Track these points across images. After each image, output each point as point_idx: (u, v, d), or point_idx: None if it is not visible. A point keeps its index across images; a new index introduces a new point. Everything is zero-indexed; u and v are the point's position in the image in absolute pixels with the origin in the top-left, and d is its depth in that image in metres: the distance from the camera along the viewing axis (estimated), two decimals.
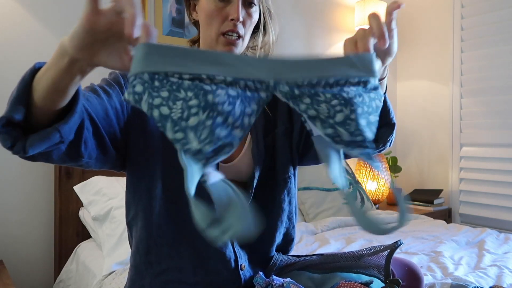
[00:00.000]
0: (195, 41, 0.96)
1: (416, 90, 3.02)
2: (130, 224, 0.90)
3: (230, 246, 0.88)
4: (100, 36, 0.52)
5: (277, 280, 0.81)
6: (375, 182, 2.60)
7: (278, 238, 0.97)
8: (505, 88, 2.50)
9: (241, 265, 0.89)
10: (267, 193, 0.93)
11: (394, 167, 2.79)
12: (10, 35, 1.66)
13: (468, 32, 2.68)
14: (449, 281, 1.21)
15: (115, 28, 0.51)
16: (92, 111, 0.70)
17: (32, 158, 0.63)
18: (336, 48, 2.76)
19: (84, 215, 1.67)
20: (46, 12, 1.73)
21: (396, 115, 3.30)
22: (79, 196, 1.65)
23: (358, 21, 2.66)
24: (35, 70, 0.59)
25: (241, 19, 0.84)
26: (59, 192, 1.68)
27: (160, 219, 0.84)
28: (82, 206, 1.69)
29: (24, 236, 1.69)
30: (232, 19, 0.84)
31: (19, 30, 1.68)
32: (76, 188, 1.67)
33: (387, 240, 1.73)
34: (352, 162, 2.79)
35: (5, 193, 1.65)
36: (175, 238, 0.85)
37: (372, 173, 2.61)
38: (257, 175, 0.90)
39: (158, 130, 0.83)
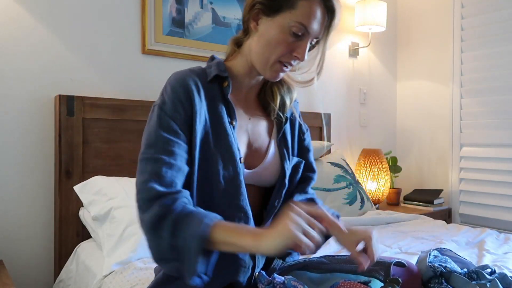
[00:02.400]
0: (240, 44, 0.99)
1: (416, 90, 3.02)
2: None
3: (248, 254, 0.91)
4: None
5: (278, 278, 0.82)
6: (375, 182, 2.60)
7: None
8: (505, 88, 2.50)
9: (255, 274, 0.91)
10: (286, 196, 1.02)
11: (394, 167, 2.79)
12: (8, 34, 1.66)
13: (468, 32, 2.68)
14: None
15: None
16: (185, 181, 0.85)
17: None
18: (336, 48, 2.77)
19: (84, 215, 1.67)
20: (45, 11, 1.73)
21: (396, 115, 3.31)
22: (79, 196, 1.65)
23: (358, 21, 2.66)
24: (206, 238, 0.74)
25: (305, 59, 0.90)
26: (59, 192, 1.68)
27: None
28: (82, 206, 1.69)
29: (24, 236, 1.69)
30: (296, 56, 0.89)
31: (18, 29, 1.68)
32: (76, 188, 1.67)
33: (387, 240, 1.73)
34: (352, 162, 2.79)
35: (5, 193, 1.65)
36: None
37: (372, 173, 2.61)
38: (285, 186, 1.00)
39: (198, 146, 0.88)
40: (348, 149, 2.84)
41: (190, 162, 0.86)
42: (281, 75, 0.93)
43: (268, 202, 0.99)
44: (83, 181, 1.69)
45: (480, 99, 2.63)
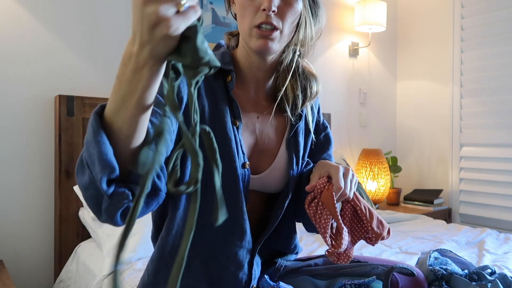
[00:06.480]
0: (235, 35, 0.92)
1: (416, 90, 3.02)
2: (152, 241, 0.89)
3: (245, 268, 0.84)
4: None
5: (283, 287, 0.80)
6: (375, 182, 2.60)
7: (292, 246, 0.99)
8: (505, 88, 2.50)
9: (252, 286, 0.86)
10: (290, 205, 0.93)
11: (394, 167, 2.79)
12: (8, 34, 1.66)
13: (468, 32, 2.68)
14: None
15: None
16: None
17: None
18: (336, 48, 2.76)
19: (84, 215, 1.67)
20: (45, 11, 1.73)
21: (396, 115, 3.30)
22: (79, 196, 1.65)
23: (358, 21, 2.65)
24: (98, 113, 0.57)
25: (273, 8, 0.78)
26: (59, 192, 1.68)
27: (176, 240, 0.80)
28: (82, 206, 1.70)
29: (24, 236, 1.69)
30: (264, 9, 0.78)
31: (19, 29, 1.67)
32: (76, 188, 1.67)
33: (387, 240, 1.73)
34: (352, 162, 2.79)
35: (5, 193, 1.65)
36: (186, 260, 0.82)
37: (372, 173, 2.61)
38: (290, 194, 0.90)
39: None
40: (348, 149, 2.83)
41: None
42: (270, 44, 0.80)
43: (273, 207, 0.90)
44: None
45: (480, 99, 2.63)
